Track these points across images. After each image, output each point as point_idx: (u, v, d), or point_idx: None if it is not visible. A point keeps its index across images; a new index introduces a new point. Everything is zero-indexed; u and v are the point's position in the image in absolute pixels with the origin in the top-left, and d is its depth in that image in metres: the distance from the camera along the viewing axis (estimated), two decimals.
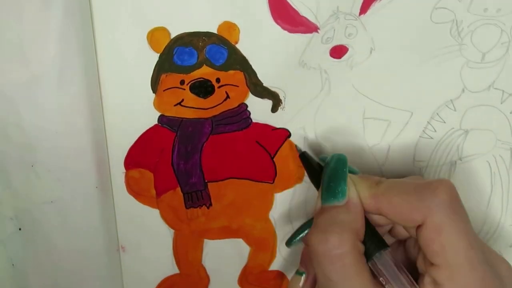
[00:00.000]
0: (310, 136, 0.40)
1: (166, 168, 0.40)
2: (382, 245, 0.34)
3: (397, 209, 0.33)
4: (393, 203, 0.33)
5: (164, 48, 0.37)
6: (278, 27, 0.37)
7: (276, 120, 0.40)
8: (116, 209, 0.40)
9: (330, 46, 0.37)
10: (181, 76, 0.38)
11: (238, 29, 0.37)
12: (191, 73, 0.38)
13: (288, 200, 0.42)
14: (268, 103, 0.39)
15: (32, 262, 0.39)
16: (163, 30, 0.36)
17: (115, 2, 0.36)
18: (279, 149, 0.40)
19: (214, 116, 0.39)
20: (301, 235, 0.37)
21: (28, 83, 0.35)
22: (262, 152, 0.40)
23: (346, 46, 0.38)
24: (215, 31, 0.37)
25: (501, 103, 0.40)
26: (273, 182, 0.41)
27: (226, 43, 0.37)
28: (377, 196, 0.33)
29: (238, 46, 0.37)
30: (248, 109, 0.39)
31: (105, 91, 0.37)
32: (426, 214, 0.31)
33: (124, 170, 0.40)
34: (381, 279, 0.33)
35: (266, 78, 0.38)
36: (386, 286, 0.33)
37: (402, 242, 0.37)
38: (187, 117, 0.39)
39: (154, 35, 0.37)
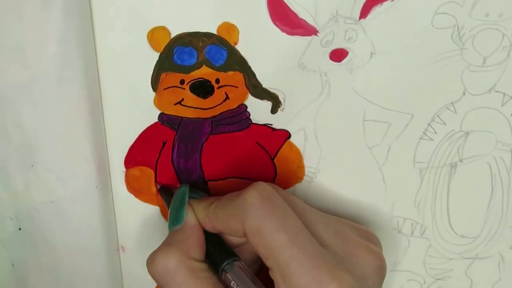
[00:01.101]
0: (310, 137, 0.40)
1: (167, 165, 0.40)
2: (231, 256, 0.34)
3: (223, 223, 0.34)
4: (219, 218, 0.35)
5: (164, 48, 0.37)
6: (276, 29, 0.36)
7: (276, 122, 0.39)
8: (116, 209, 0.40)
9: (330, 49, 0.37)
10: (181, 76, 0.38)
11: (238, 30, 0.37)
12: (191, 73, 0.38)
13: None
14: (267, 104, 0.39)
15: (32, 262, 0.39)
16: (163, 29, 0.36)
17: (115, 2, 0.35)
18: (279, 150, 0.40)
19: (214, 117, 0.39)
20: None
21: (28, 83, 0.35)
22: (262, 153, 0.40)
23: (346, 49, 0.37)
24: (214, 32, 0.37)
25: (502, 106, 0.40)
26: (273, 182, 0.41)
27: (226, 44, 0.37)
28: (209, 215, 0.35)
29: (237, 47, 0.37)
30: (248, 110, 0.39)
31: (105, 91, 0.37)
32: (242, 221, 0.32)
33: (124, 169, 0.40)
34: (232, 285, 0.33)
35: (266, 80, 0.38)
36: None
37: None
38: (187, 116, 0.39)
39: (154, 35, 0.36)
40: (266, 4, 0.36)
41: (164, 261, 0.33)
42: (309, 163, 0.41)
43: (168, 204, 0.38)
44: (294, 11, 0.36)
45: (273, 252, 0.31)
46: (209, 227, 0.35)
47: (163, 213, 0.41)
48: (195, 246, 0.35)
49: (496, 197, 0.42)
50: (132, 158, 0.40)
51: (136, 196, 0.41)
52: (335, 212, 0.42)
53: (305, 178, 0.41)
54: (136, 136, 0.39)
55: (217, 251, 0.35)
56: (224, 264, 0.34)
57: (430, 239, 0.43)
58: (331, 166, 0.41)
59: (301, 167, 0.40)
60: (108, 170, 0.39)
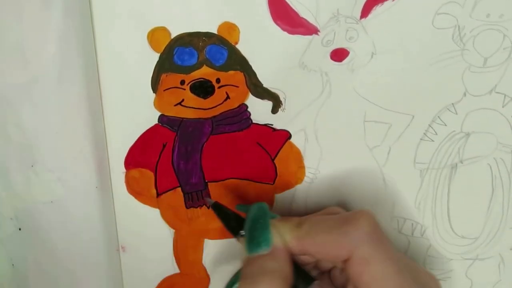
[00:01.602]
0: (311, 138, 0.40)
1: (167, 167, 0.40)
2: (310, 280, 0.34)
3: (322, 248, 0.33)
4: (317, 243, 0.33)
5: (165, 48, 0.37)
6: (277, 28, 0.36)
7: (277, 121, 0.39)
8: (116, 209, 0.40)
9: (331, 49, 0.37)
10: (181, 76, 0.38)
11: (238, 29, 0.37)
12: (191, 73, 0.38)
13: (289, 201, 0.42)
14: (268, 104, 0.39)
15: (32, 262, 0.39)
16: (163, 30, 0.36)
17: (115, 2, 0.35)
18: (279, 150, 0.40)
19: (214, 117, 0.39)
20: (234, 286, 0.36)
21: (28, 83, 0.35)
22: (263, 153, 0.40)
23: (347, 49, 0.37)
24: (215, 32, 0.37)
25: (503, 107, 0.40)
26: (274, 183, 0.41)
27: (226, 44, 0.37)
28: (301, 238, 0.34)
29: (238, 46, 0.37)
30: (249, 109, 0.39)
31: (105, 91, 0.37)
32: (351, 249, 0.32)
33: (124, 170, 0.40)
34: None
35: (266, 79, 0.38)
36: None
37: (326, 272, 0.38)
38: (187, 117, 0.39)
39: (154, 35, 0.36)
40: (267, 4, 0.36)
41: None
42: (310, 164, 0.41)
43: (226, 221, 0.37)
44: (295, 10, 0.36)
45: (379, 281, 0.31)
46: (297, 251, 0.34)
47: (164, 216, 0.41)
48: (290, 273, 0.33)
49: (497, 198, 0.42)
50: (132, 160, 0.39)
51: (135, 197, 0.40)
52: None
53: (306, 179, 0.41)
54: (137, 137, 0.39)
55: (297, 276, 0.34)
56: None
57: (431, 240, 0.43)
58: (331, 167, 0.41)
59: (301, 167, 0.40)
60: (108, 171, 0.39)
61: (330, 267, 0.37)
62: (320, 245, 0.33)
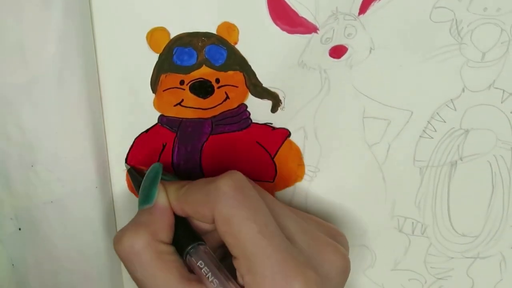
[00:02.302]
0: (310, 135, 0.40)
1: (167, 168, 0.40)
2: (196, 240, 0.34)
3: (192, 208, 0.34)
4: (189, 202, 0.34)
5: (164, 48, 0.37)
6: (277, 28, 0.36)
7: (276, 120, 0.40)
8: (116, 209, 0.40)
9: (330, 46, 0.37)
10: (181, 76, 0.38)
11: (237, 29, 0.37)
12: (191, 73, 0.38)
13: (289, 198, 0.42)
14: (268, 103, 0.39)
15: (32, 262, 0.39)
16: (162, 30, 0.36)
17: (115, 2, 0.36)
18: (279, 148, 0.40)
19: (214, 117, 0.39)
20: None
21: (28, 83, 0.35)
22: (262, 152, 0.40)
23: (346, 46, 0.38)
24: (214, 32, 0.37)
25: (502, 103, 0.40)
26: (273, 181, 0.41)
27: (226, 44, 0.37)
28: (179, 198, 0.35)
29: (237, 46, 0.37)
30: (248, 109, 0.39)
31: (105, 91, 0.37)
32: (212, 208, 0.32)
33: (125, 169, 0.40)
34: (195, 271, 0.33)
35: (266, 79, 0.38)
36: (204, 280, 0.33)
37: None
38: (187, 117, 0.39)
39: (153, 35, 0.36)
40: (266, 3, 0.36)
41: (132, 242, 0.33)
42: (309, 161, 0.41)
43: (138, 183, 0.38)
44: (295, 9, 0.36)
45: (240, 241, 0.31)
46: (178, 210, 0.35)
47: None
48: (164, 228, 0.35)
49: (497, 196, 0.42)
50: (133, 159, 0.39)
51: (136, 196, 0.40)
52: (335, 211, 0.42)
53: (305, 177, 0.41)
54: (136, 136, 0.39)
55: (183, 234, 0.35)
56: (189, 247, 0.34)
57: (431, 238, 0.43)
58: (331, 165, 0.41)
59: (301, 165, 0.41)
60: (108, 170, 0.39)
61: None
62: (190, 205, 0.34)
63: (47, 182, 0.38)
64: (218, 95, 0.38)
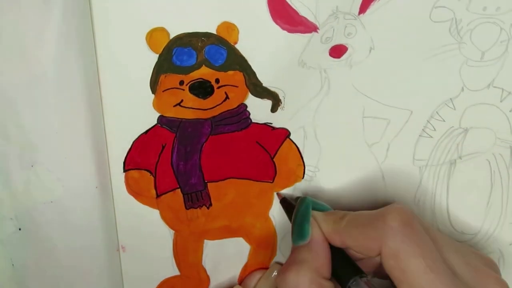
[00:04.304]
0: (310, 135, 0.40)
1: (166, 168, 0.40)
2: (358, 272, 0.34)
3: (356, 241, 0.35)
4: (353, 236, 0.35)
5: (163, 49, 0.37)
6: (277, 27, 0.37)
7: (276, 120, 0.40)
8: (116, 209, 0.40)
9: (330, 45, 0.38)
10: (180, 77, 0.38)
11: (237, 29, 0.37)
12: (190, 74, 0.38)
13: (288, 198, 0.42)
14: (267, 103, 0.39)
15: (32, 262, 0.39)
16: (162, 30, 0.36)
17: (115, 3, 0.36)
18: (279, 148, 0.40)
19: (214, 117, 0.39)
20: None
21: (28, 83, 0.35)
22: (262, 152, 0.40)
23: (346, 45, 0.38)
24: (214, 32, 0.37)
25: (501, 102, 0.40)
26: (273, 181, 0.41)
27: (225, 44, 0.37)
28: (340, 231, 0.35)
29: (237, 46, 0.37)
30: (248, 109, 0.39)
31: (105, 91, 0.37)
32: (380, 243, 0.33)
33: (124, 170, 0.40)
34: None
35: (266, 78, 0.38)
36: None
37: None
38: (187, 117, 0.39)
39: (153, 36, 0.36)
40: (267, 3, 0.36)
41: (297, 281, 0.33)
42: (309, 161, 0.41)
43: (289, 213, 0.39)
44: (295, 8, 0.36)
45: (409, 276, 0.31)
46: (337, 242, 0.36)
47: (163, 217, 0.41)
48: (325, 264, 0.35)
49: (496, 194, 0.42)
50: (132, 160, 0.39)
51: (135, 198, 0.40)
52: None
53: (305, 177, 0.41)
54: (136, 137, 0.39)
55: (343, 266, 0.35)
56: (351, 281, 0.34)
57: None
58: (330, 164, 0.41)
59: (300, 165, 0.41)
60: (108, 171, 0.39)
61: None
62: (354, 239, 0.35)
63: (47, 182, 0.38)
64: (218, 95, 0.38)
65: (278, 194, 0.41)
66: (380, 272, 0.36)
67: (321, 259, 0.35)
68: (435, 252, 0.33)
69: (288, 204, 0.40)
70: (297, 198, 0.40)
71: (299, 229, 0.36)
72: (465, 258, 0.34)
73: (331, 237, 0.36)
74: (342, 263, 0.35)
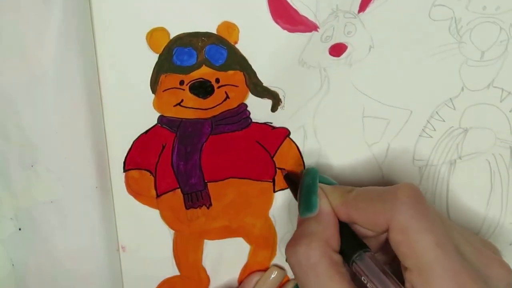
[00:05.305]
0: (310, 134, 0.40)
1: (166, 168, 0.40)
2: (362, 247, 0.34)
3: (363, 214, 0.34)
4: (360, 209, 0.34)
5: (164, 49, 0.37)
6: (277, 27, 0.37)
7: (276, 119, 0.40)
8: (116, 209, 0.40)
9: (330, 44, 0.38)
10: (181, 77, 0.38)
11: (238, 29, 0.37)
12: (191, 74, 0.38)
13: (288, 198, 0.42)
14: (268, 102, 0.39)
15: (32, 262, 0.39)
16: (162, 30, 0.36)
17: (115, 3, 0.36)
18: (278, 148, 0.40)
19: (214, 117, 0.39)
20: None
21: (28, 83, 0.35)
22: (262, 152, 0.40)
23: (345, 44, 0.38)
24: (214, 31, 0.37)
25: (501, 102, 0.40)
26: (273, 180, 0.41)
27: (226, 43, 0.37)
28: (347, 204, 0.35)
29: (237, 46, 0.37)
30: (248, 109, 0.39)
31: (105, 91, 0.37)
32: (389, 217, 0.32)
33: (124, 170, 0.40)
34: (363, 278, 0.33)
35: (266, 78, 0.38)
36: (368, 286, 0.33)
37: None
38: (187, 117, 0.39)
39: (153, 36, 0.36)
40: (267, 2, 0.36)
41: (308, 254, 0.33)
42: (309, 161, 0.41)
43: (295, 190, 0.38)
44: (295, 8, 0.36)
45: (416, 251, 0.31)
46: (343, 216, 0.35)
47: (163, 217, 0.41)
48: (334, 236, 0.34)
49: (496, 194, 0.42)
50: (132, 160, 0.39)
51: (135, 198, 0.40)
52: None
53: None
54: (136, 137, 0.39)
55: (348, 240, 0.35)
56: (356, 255, 0.34)
57: None
58: (330, 164, 0.41)
59: (300, 165, 0.41)
60: (108, 171, 0.39)
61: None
62: (361, 212, 0.34)
63: (47, 182, 0.38)
64: (218, 95, 0.38)
65: (281, 170, 0.41)
66: (383, 253, 0.36)
67: (330, 231, 0.34)
68: (443, 229, 0.32)
69: (291, 180, 0.40)
70: (302, 171, 0.39)
71: (306, 201, 0.36)
72: (469, 239, 0.34)
73: (337, 210, 0.35)
74: (347, 238, 0.35)
